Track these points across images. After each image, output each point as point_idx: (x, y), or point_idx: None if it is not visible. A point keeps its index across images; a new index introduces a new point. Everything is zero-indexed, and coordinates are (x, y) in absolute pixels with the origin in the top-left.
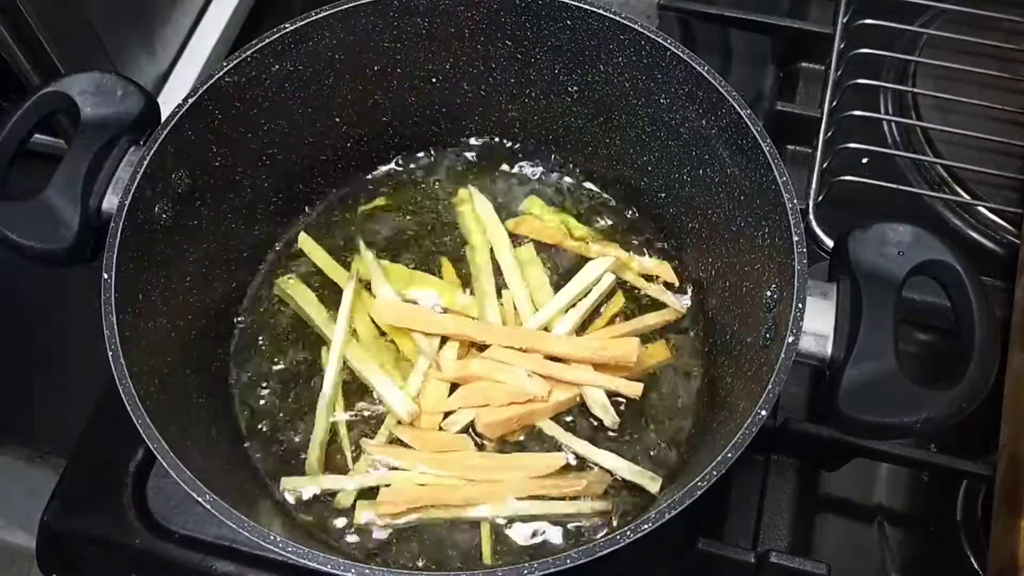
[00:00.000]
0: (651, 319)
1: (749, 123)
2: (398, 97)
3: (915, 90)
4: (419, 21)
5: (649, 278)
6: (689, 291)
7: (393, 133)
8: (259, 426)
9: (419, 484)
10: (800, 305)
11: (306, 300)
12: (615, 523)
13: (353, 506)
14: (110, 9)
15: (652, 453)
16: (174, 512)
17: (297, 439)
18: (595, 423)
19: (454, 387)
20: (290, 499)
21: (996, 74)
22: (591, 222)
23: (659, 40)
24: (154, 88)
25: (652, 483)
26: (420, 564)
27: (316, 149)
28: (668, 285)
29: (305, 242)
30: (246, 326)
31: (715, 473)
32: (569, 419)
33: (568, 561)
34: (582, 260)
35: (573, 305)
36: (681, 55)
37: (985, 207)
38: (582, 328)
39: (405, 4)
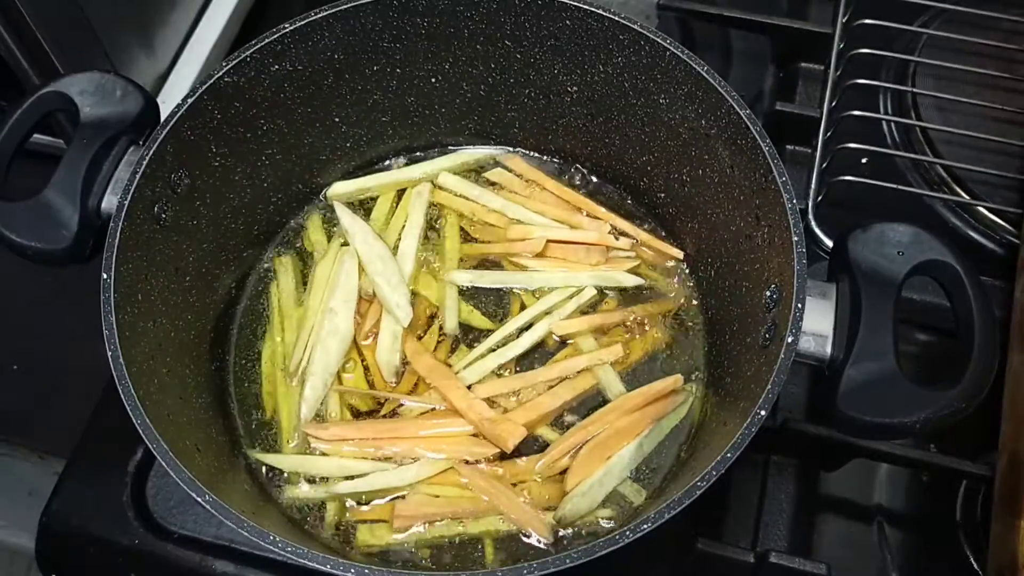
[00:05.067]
0: (648, 308)
1: (748, 123)
2: (398, 97)
3: (915, 90)
4: (419, 21)
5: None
6: (688, 290)
7: (393, 133)
8: (259, 426)
9: (433, 496)
10: (799, 305)
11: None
12: (615, 524)
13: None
14: (109, 9)
15: (651, 453)
16: (174, 512)
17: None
18: None
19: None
20: (289, 501)
21: (996, 74)
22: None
23: (658, 40)
24: (153, 88)
25: (637, 495)
26: (420, 564)
27: (316, 149)
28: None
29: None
30: (245, 325)
31: (715, 473)
32: (568, 420)
33: (568, 561)
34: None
35: (548, 312)
36: (680, 55)
37: (985, 207)
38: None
39: (405, 4)
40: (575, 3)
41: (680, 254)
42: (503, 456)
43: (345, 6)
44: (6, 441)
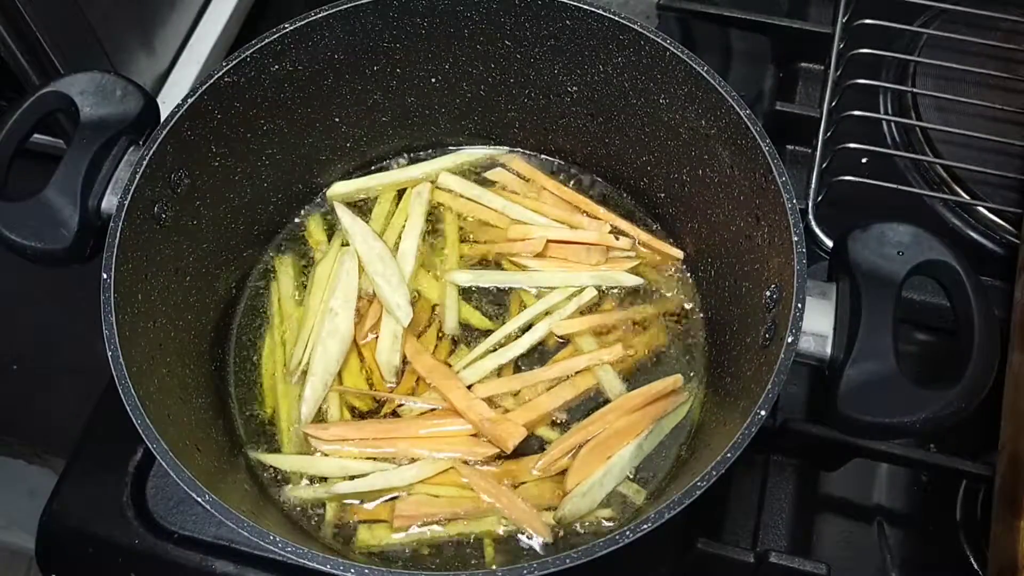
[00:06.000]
0: (648, 308)
1: (748, 123)
2: (398, 97)
3: (915, 90)
4: (419, 21)
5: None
6: (688, 290)
7: (393, 133)
8: (259, 426)
9: (433, 496)
10: (799, 305)
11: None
12: (615, 524)
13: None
14: (110, 9)
15: (651, 453)
16: (174, 512)
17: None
18: None
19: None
20: (289, 501)
21: (996, 74)
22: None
23: (659, 40)
24: (153, 88)
25: (637, 495)
26: (420, 564)
27: (316, 149)
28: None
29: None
30: (245, 325)
31: (715, 473)
32: (568, 420)
33: (568, 561)
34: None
35: (548, 312)
36: (680, 55)
37: (985, 207)
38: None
39: (405, 4)
40: (575, 3)
41: (680, 254)
42: (503, 456)
43: (345, 6)
44: (6, 441)
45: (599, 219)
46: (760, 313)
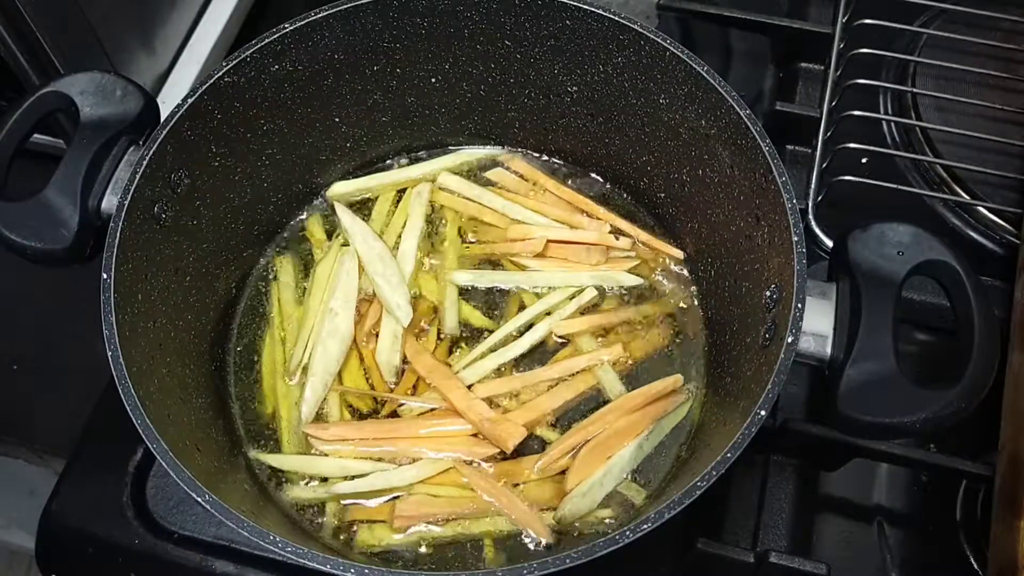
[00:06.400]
0: (648, 308)
1: (748, 123)
2: (398, 97)
3: (915, 90)
4: (419, 21)
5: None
6: (688, 290)
7: (393, 133)
8: (259, 426)
9: (433, 496)
10: (799, 305)
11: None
12: (615, 524)
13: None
14: (110, 9)
15: (651, 453)
16: (174, 512)
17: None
18: None
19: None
20: (289, 501)
21: (996, 74)
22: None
23: (658, 40)
24: (153, 88)
25: (637, 495)
26: (420, 564)
27: (316, 149)
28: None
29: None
30: (245, 325)
31: (715, 473)
32: (568, 420)
33: (568, 561)
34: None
35: (549, 313)
36: (680, 55)
37: (985, 207)
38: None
39: (405, 4)
40: (575, 3)
41: (680, 254)
42: (503, 456)
43: (345, 6)
44: (6, 441)
45: (599, 219)
46: (760, 313)
